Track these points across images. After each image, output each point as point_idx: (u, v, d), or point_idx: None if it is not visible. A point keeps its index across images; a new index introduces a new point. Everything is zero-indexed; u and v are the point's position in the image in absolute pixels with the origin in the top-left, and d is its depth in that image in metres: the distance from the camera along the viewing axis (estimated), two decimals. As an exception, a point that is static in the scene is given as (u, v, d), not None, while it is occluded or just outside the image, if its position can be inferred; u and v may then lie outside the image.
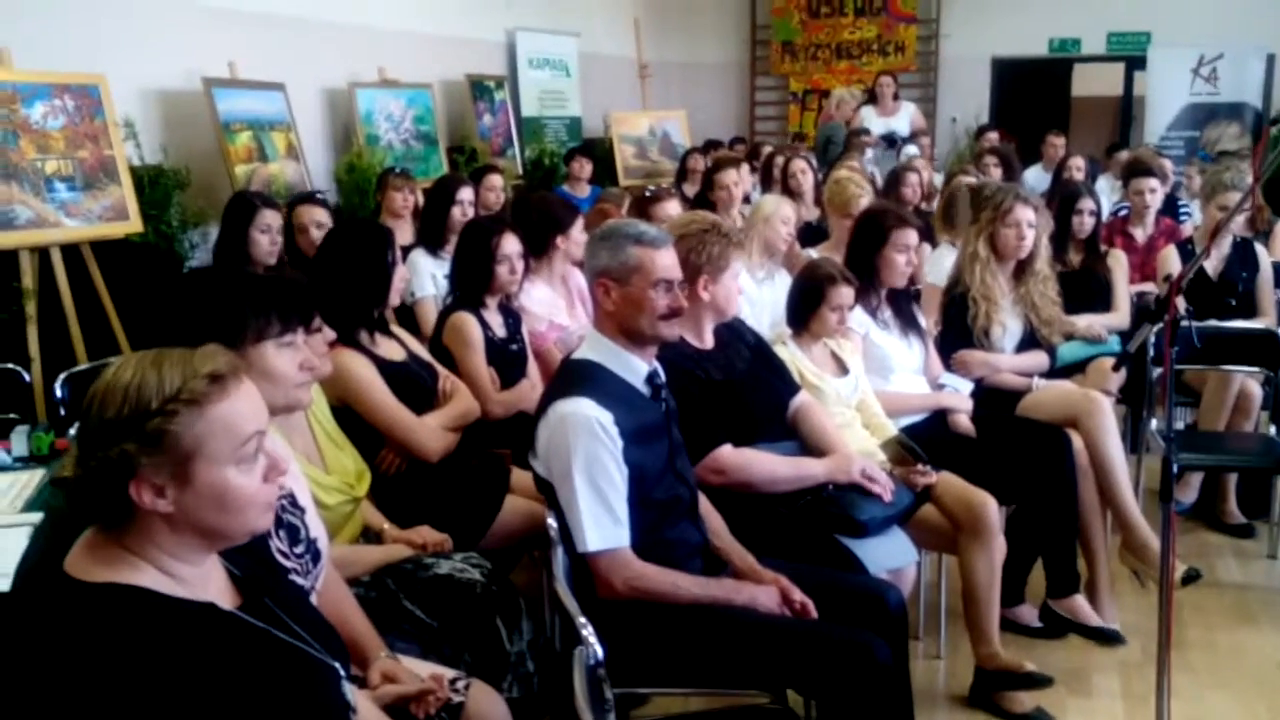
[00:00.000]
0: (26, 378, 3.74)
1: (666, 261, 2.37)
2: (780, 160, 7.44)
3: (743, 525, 2.60)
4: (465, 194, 4.61)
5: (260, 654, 1.45)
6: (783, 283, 4.07)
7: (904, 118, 8.50)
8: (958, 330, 3.76)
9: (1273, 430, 4.26)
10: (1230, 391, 4.26)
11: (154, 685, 1.27)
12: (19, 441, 2.90)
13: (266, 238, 3.99)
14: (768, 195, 4.67)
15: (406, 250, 4.49)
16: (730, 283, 2.78)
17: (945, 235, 4.77)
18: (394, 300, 3.05)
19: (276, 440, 2.12)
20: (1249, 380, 4.28)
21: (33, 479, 2.65)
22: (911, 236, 3.45)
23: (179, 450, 1.35)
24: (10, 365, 3.68)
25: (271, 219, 4.01)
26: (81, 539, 1.42)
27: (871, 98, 8.69)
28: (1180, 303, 4.36)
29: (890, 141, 8.03)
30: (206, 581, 1.47)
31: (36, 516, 2.40)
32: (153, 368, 1.37)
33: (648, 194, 4.61)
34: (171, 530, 1.39)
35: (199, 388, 1.36)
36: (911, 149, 7.70)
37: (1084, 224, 4.57)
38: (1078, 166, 6.67)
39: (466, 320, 3.33)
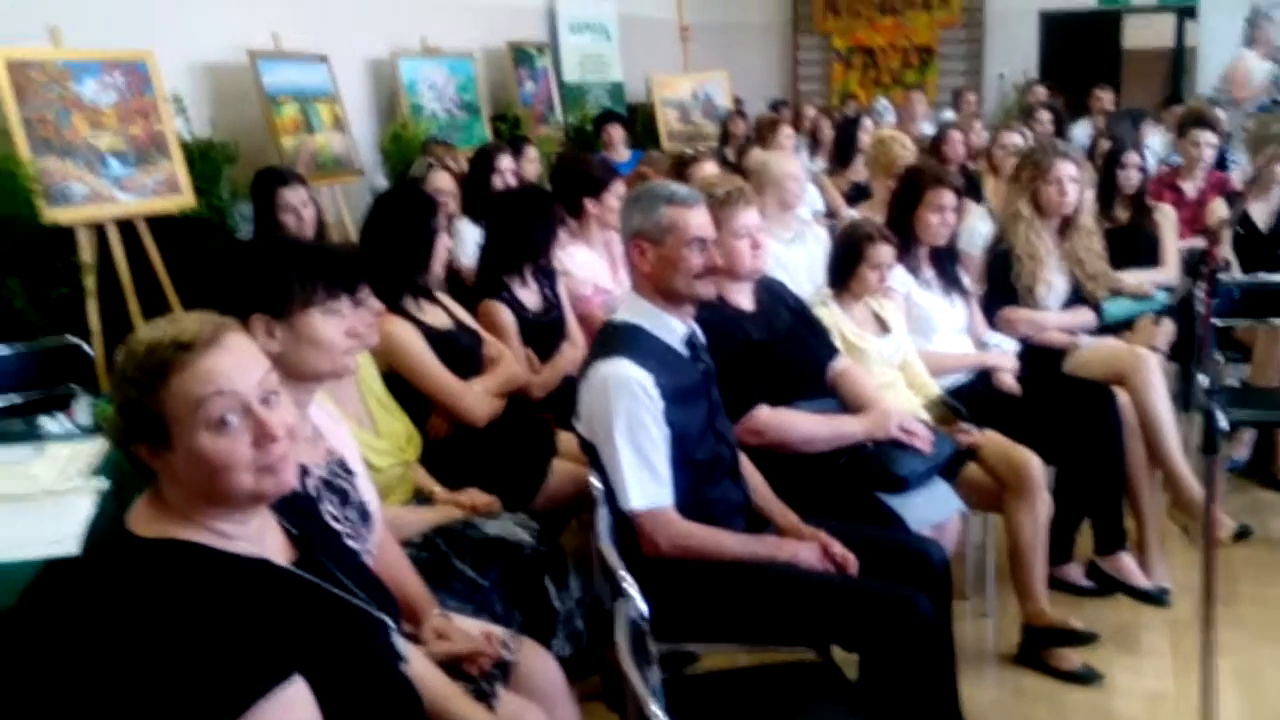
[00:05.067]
0: (88, 350, 3.84)
1: (700, 220, 2.38)
2: (826, 122, 7.41)
3: (784, 484, 2.63)
4: (505, 162, 4.63)
5: (313, 606, 1.50)
6: (817, 241, 4.06)
7: None
8: (1002, 289, 3.73)
9: (1325, 385, 4.20)
10: (1277, 346, 4.19)
11: (210, 635, 1.32)
12: (82, 411, 2.99)
13: (292, 217, 3.89)
14: (770, 155, 4.63)
15: (451, 219, 4.55)
16: (732, 241, 2.75)
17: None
18: (438, 268, 3.09)
19: (325, 405, 2.18)
20: None
21: (97, 447, 2.73)
22: (948, 196, 3.43)
23: (151, 418, 1.39)
24: (72, 339, 3.77)
25: (291, 196, 3.90)
26: (140, 497, 1.48)
27: None
28: (1223, 253, 4.33)
29: None
30: (260, 538, 1.52)
31: (102, 482, 2.48)
32: (140, 338, 1.43)
33: (685, 157, 4.61)
34: (186, 490, 1.43)
35: (165, 356, 1.39)
36: None
37: (1130, 179, 4.50)
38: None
39: (497, 309, 3.32)
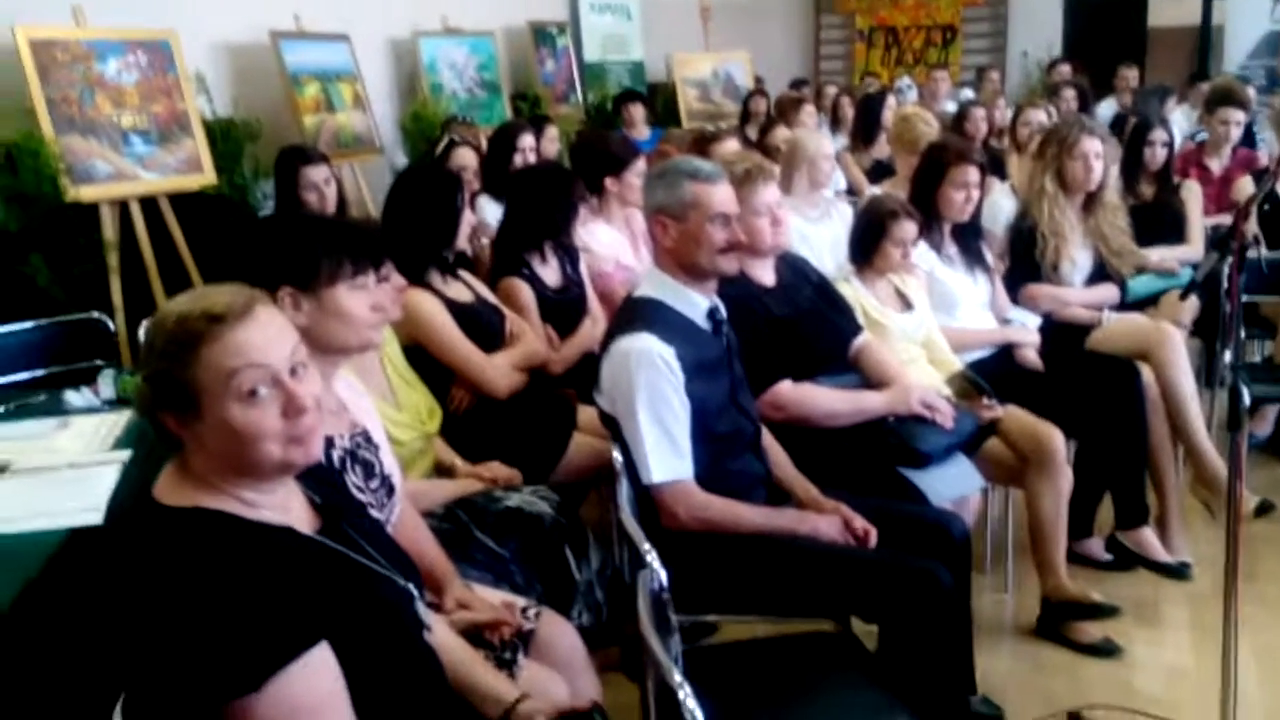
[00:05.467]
0: (111, 326, 3.87)
1: (723, 195, 2.39)
2: (847, 100, 7.38)
3: (805, 458, 2.63)
4: (526, 140, 4.62)
5: (337, 574, 1.51)
6: (841, 219, 4.05)
7: None
8: (1025, 265, 3.71)
9: (1352, 362, 4.17)
10: None
11: (238, 601, 1.33)
12: (106, 385, 3.03)
13: (314, 195, 3.87)
14: (805, 132, 4.62)
15: (472, 197, 4.56)
16: (752, 219, 2.74)
17: None
18: (462, 243, 3.11)
19: (349, 378, 2.20)
20: None
21: (120, 420, 2.77)
22: (971, 173, 3.41)
23: (181, 388, 1.41)
24: (96, 314, 3.81)
25: (314, 174, 3.88)
26: (167, 467, 1.49)
27: None
28: (1251, 229, 4.30)
29: None
30: (285, 507, 1.53)
31: (125, 454, 2.51)
32: (170, 309, 1.44)
33: (707, 134, 4.60)
34: (213, 460, 1.45)
35: (197, 327, 1.40)
36: None
37: (1156, 155, 4.46)
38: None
39: (517, 286, 3.32)
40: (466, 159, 4.46)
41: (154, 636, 1.32)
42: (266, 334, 1.44)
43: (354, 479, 2.01)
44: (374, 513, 2.01)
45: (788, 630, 2.40)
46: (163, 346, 1.41)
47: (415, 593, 1.68)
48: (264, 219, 4.62)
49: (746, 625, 2.64)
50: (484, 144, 5.08)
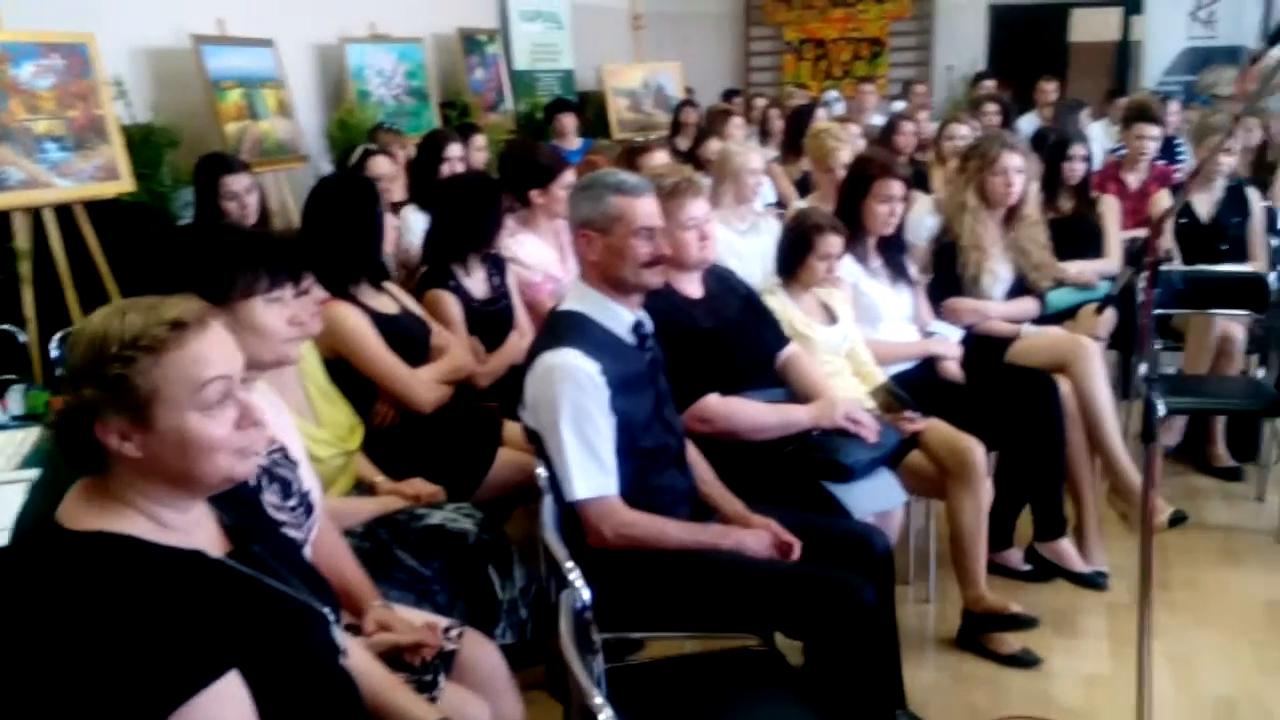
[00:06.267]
0: (22, 339, 3.76)
1: (648, 209, 2.38)
2: (776, 112, 7.44)
3: (731, 473, 2.64)
4: (454, 149, 4.59)
5: (247, 598, 1.48)
6: (770, 232, 4.08)
7: None
8: (947, 278, 3.77)
9: (1260, 373, 4.29)
10: (1211, 335, 4.28)
11: (142, 630, 1.30)
12: (15, 400, 2.94)
13: (235, 204, 3.81)
14: (733, 145, 4.65)
15: (399, 206, 4.51)
16: (679, 233, 2.75)
17: None
18: (387, 251, 3.07)
19: (267, 394, 2.16)
20: (1231, 324, 4.29)
21: (29, 437, 2.69)
22: (895, 187, 3.45)
23: (138, 395, 1.37)
24: (6, 326, 3.70)
25: (235, 183, 3.83)
26: (73, 489, 1.44)
27: None
28: (1167, 244, 4.42)
29: None
30: (195, 529, 1.50)
31: (33, 473, 2.44)
32: (118, 315, 1.40)
33: (636, 145, 4.61)
34: (145, 476, 1.41)
35: (159, 334, 1.38)
36: None
37: (1074, 170, 4.56)
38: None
39: (443, 298, 3.30)
40: (383, 168, 4.42)
41: (53, 668, 1.28)
42: (225, 344, 1.45)
43: (271, 497, 1.97)
44: (291, 532, 1.97)
45: (713, 647, 2.40)
46: (118, 353, 1.37)
47: (331, 616, 1.65)
48: (178, 230, 4.52)
49: (673, 642, 2.64)
50: (412, 152, 5.04)
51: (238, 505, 1.65)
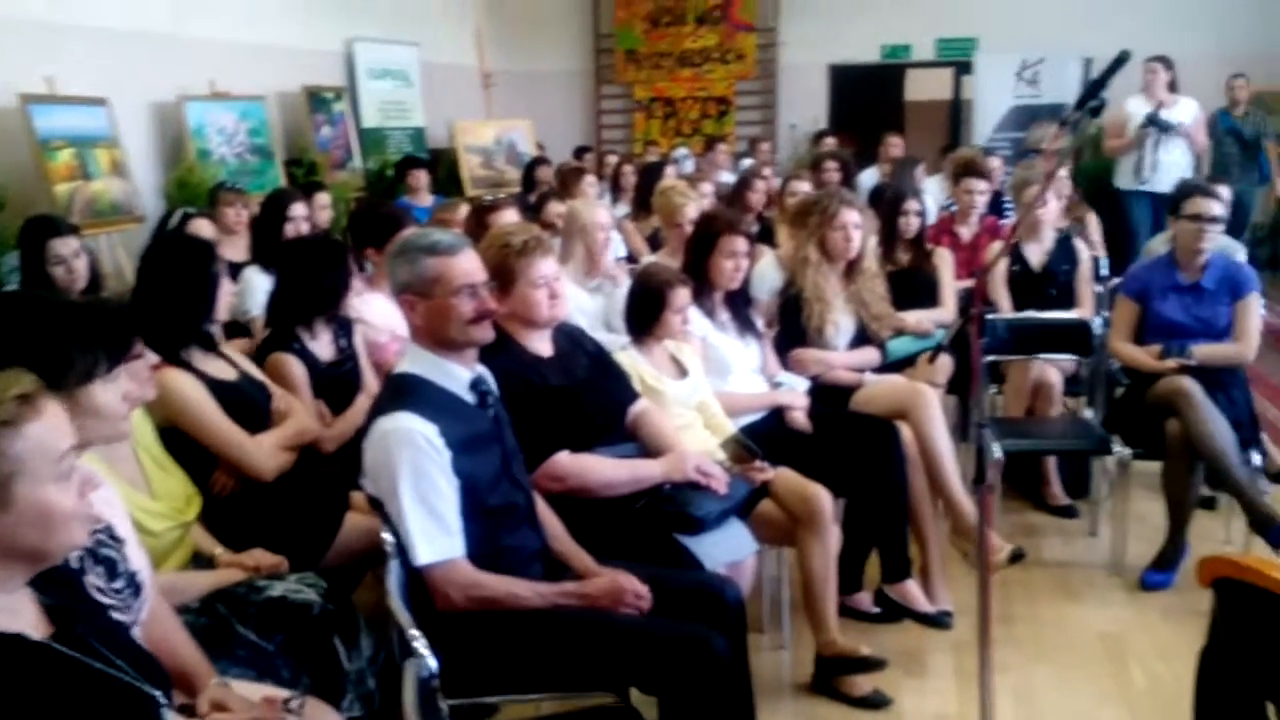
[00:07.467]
0: None
1: (466, 266, 2.36)
2: (629, 169, 7.54)
3: (583, 528, 2.64)
4: (298, 209, 4.52)
5: (71, 683, 1.42)
6: (618, 288, 4.12)
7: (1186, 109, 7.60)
8: (793, 330, 3.88)
9: (1088, 414, 4.51)
10: (1026, 379, 4.50)
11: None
12: None
13: (62, 269, 3.66)
14: (582, 203, 4.71)
15: (241, 267, 4.40)
16: (529, 291, 2.75)
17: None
18: (221, 316, 2.99)
19: (93, 468, 2.06)
20: (1047, 368, 4.51)
21: None
22: (740, 243, 3.55)
23: None
24: None
25: (62, 247, 3.67)
26: None
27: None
28: (994, 293, 4.64)
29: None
30: (16, 612, 1.44)
31: None
32: None
33: (485, 203, 4.61)
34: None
35: (10, 410, 1.35)
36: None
37: (910, 224, 4.77)
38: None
39: (287, 361, 3.22)
40: (203, 230, 4.31)
41: None
42: (61, 414, 1.44)
43: (94, 580, 1.88)
44: (118, 615, 1.88)
45: (570, 707, 2.38)
46: None
47: (162, 698, 1.59)
48: (6, 296, 4.30)
49: (529, 704, 2.61)
50: (255, 210, 4.93)
51: (58, 585, 1.58)
